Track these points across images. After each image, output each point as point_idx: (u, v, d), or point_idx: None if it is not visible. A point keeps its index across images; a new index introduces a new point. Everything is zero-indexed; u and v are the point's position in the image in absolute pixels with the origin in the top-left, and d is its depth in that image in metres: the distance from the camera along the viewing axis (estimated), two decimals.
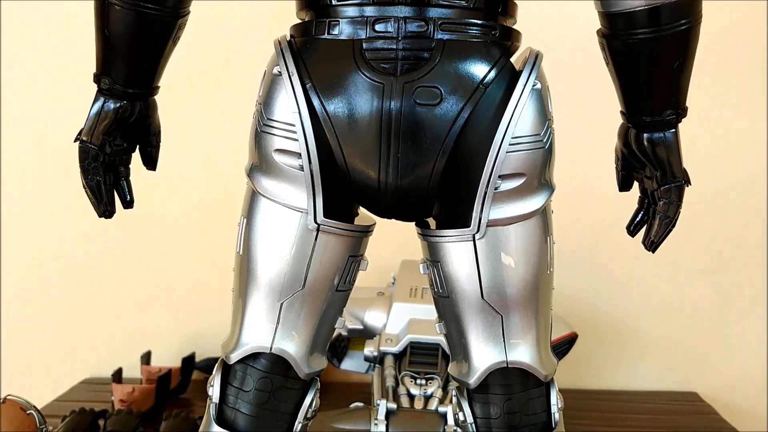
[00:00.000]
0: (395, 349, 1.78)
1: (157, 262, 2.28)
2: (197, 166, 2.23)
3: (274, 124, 0.99)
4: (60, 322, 2.30)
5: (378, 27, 0.96)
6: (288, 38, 1.05)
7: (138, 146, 1.13)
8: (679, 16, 0.95)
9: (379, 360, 1.79)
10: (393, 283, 1.97)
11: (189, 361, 2.13)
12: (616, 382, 2.28)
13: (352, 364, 2.00)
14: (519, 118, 0.95)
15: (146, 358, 2.11)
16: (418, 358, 1.74)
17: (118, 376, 1.97)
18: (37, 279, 2.29)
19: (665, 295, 2.25)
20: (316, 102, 0.96)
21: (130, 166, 1.13)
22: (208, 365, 2.12)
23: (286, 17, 1.11)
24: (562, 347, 1.90)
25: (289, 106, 0.96)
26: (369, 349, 1.82)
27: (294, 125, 0.96)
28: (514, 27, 1.04)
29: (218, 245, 1.95)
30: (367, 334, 1.87)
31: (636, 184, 1.16)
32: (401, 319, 1.83)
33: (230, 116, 2.18)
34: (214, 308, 2.16)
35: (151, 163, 1.15)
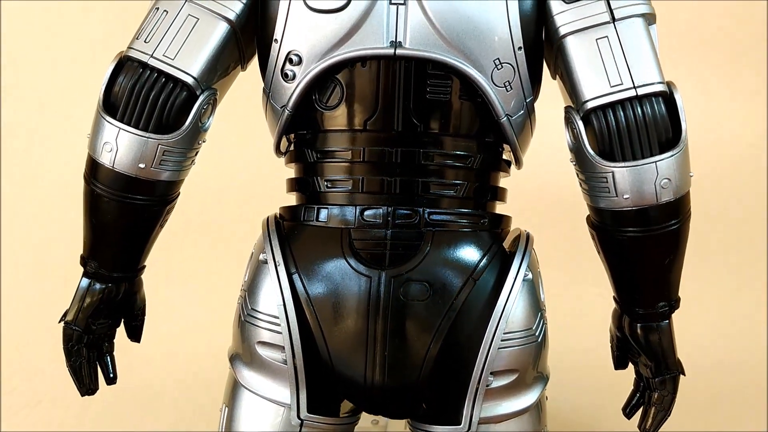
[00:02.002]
0: None
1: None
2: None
3: (259, 315, 0.96)
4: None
5: (367, 215, 0.96)
6: (277, 216, 1.04)
7: (123, 320, 1.11)
8: (668, 217, 0.94)
9: None
10: None
11: None
12: None
13: None
14: (510, 313, 0.92)
15: None
16: None
17: None
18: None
19: None
20: (301, 292, 0.94)
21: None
22: None
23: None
24: None
25: (275, 297, 0.94)
26: None
27: (278, 317, 0.94)
28: (506, 215, 1.04)
29: None
30: None
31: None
32: None
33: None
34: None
35: (135, 336, 1.13)
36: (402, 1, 0.94)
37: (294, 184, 1.04)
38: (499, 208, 1.05)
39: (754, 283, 2.20)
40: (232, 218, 2.18)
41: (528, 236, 1.01)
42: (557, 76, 1.01)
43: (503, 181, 1.06)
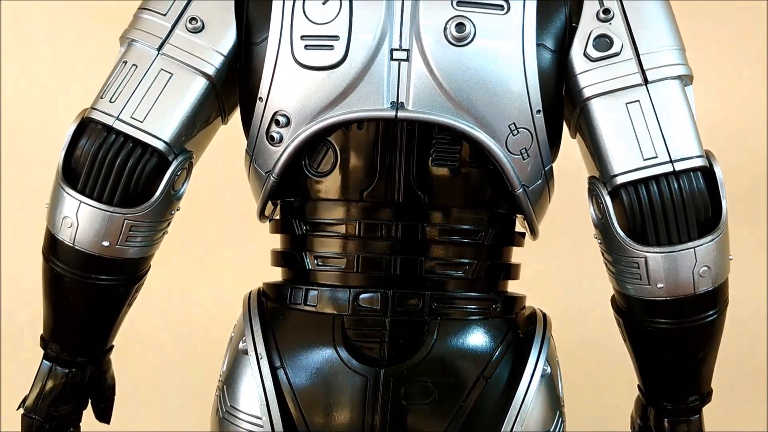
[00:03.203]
0: None
1: None
2: None
3: (239, 414, 0.84)
4: None
5: (363, 299, 0.84)
6: (260, 293, 0.92)
7: (90, 401, 0.99)
8: (705, 308, 0.83)
9: None
10: None
11: None
12: None
13: None
14: (527, 416, 0.81)
15: None
16: None
17: None
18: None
19: None
20: (287, 389, 0.82)
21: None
22: None
23: None
24: None
25: (256, 394, 0.82)
26: None
27: (261, 418, 0.82)
28: (519, 296, 0.92)
29: None
30: None
31: None
32: None
33: None
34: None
35: (104, 417, 1.01)
36: (405, 57, 0.82)
37: (279, 258, 0.92)
38: (512, 286, 0.93)
39: (755, 279, 2.06)
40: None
41: (545, 319, 0.90)
42: (577, 135, 0.89)
43: (516, 255, 0.94)
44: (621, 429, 1.11)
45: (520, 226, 0.94)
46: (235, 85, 0.89)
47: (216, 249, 1.93)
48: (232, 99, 0.91)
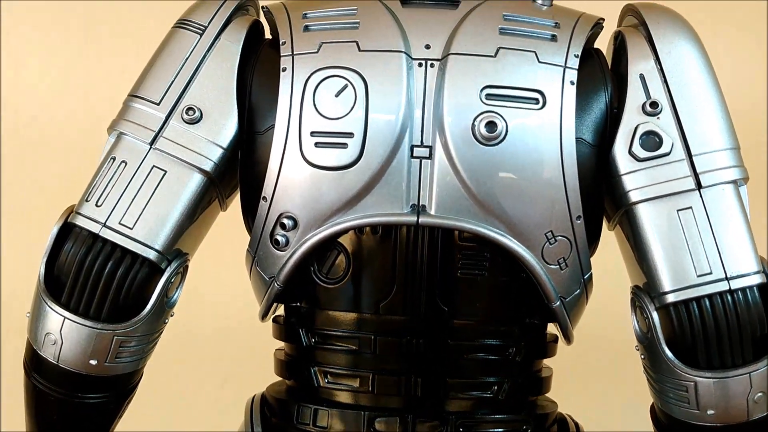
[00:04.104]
0: None
1: None
2: None
3: None
4: None
5: (378, 424, 0.75)
6: (265, 398, 0.83)
7: None
8: None
9: None
10: None
11: None
12: None
13: None
14: None
15: None
16: None
17: None
18: None
19: None
20: None
21: None
22: None
23: None
24: None
25: None
26: None
27: None
28: (550, 410, 0.83)
29: None
30: None
31: None
32: None
33: None
34: None
35: None
36: (426, 154, 0.73)
37: (284, 369, 0.83)
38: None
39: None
40: None
41: (578, 429, 0.81)
42: (617, 228, 0.80)
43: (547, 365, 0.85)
44: None
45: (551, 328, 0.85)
46: (235, 173, 0.80)
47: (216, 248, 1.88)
48: (233, 183, 0.82)
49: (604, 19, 0.81)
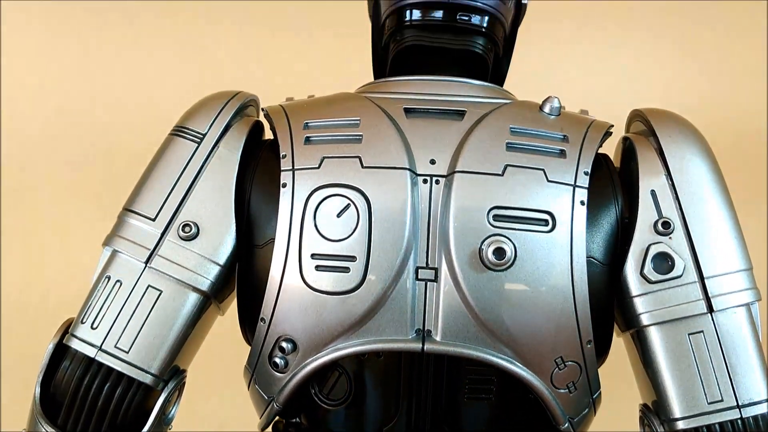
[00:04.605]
0: None
1: None
2: None
3: None
4: None
5: None
6: None
7: None
8: None
9: None
10: None
11: None
12: None
13: None
14: None
15: None
16: None
17: None
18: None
19: None
20: None
21: None
22: None
23: None
24: None
25: None
26: None
27: None
28: None
29: None
30: None
31: None
32: None
33: None
34: None
35: None
36: (432, 277, 0.71)
37: None
38: None
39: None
40: None
41: None
42: (627, 336, 0.78)
43: None
44: None
45: None
46: (234, 281, 0.78)
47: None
48: (231, 290, 0.80)
49: (613, 126, 0.79)
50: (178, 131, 0.78)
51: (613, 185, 0.76)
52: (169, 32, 1.79)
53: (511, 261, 0.69)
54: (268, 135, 0.82)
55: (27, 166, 1.93)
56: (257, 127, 0.82)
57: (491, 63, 0.84)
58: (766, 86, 1.86)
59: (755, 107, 1.92)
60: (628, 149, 0.80)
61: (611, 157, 0.81)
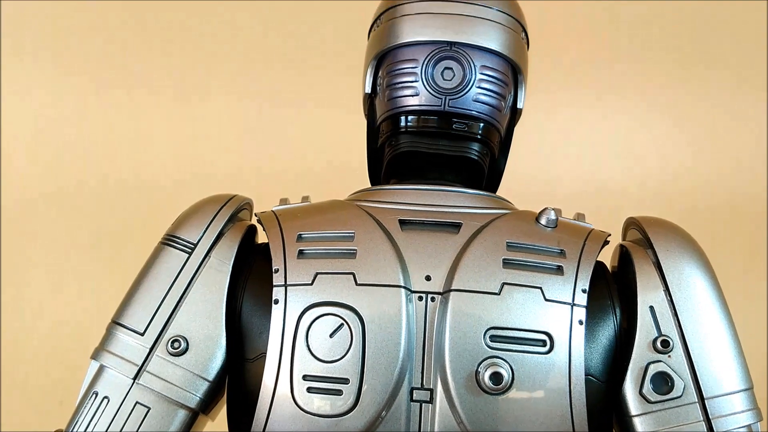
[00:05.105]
0: None
1: None
2: None
3: None
4: None
5: None
6: None
7: None
8: None
9: None
10: None
11: None
12: None
13: None
14: None
15: None
16: None
17: None
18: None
19: None
20: None
21: None
22: None
23: None
24: None
25: None
26: None
27: None
28: None
29: None
30: None
31: None
32: None
33: None
34: None
35: None
36: (427, 398, 0.69)
37: None
38: None
39: (756, 314, 1.94)
40: None
41: None
42: None
43: None
44: None
45: None
46: (223, 392, 0.76)
47: None
48: (221, 396, 0.78)
49: (610, 235, 0.78)
50: (169, 240, 0.77)
51: (611, 298, 0.75)
52: (166, 95, 1.79)
53: (508, 385, 0.68)
54: (262, 237, 0.80)
55: (23, 219, 1.94)
56: (251, 231, 0.81)
57: (487, 167, 0.84)
58: (765, 150, 1.87)
59: (750, 172, 1.94)
60: (624, 255, 0.79)
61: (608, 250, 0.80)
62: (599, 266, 0.77)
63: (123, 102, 1.76)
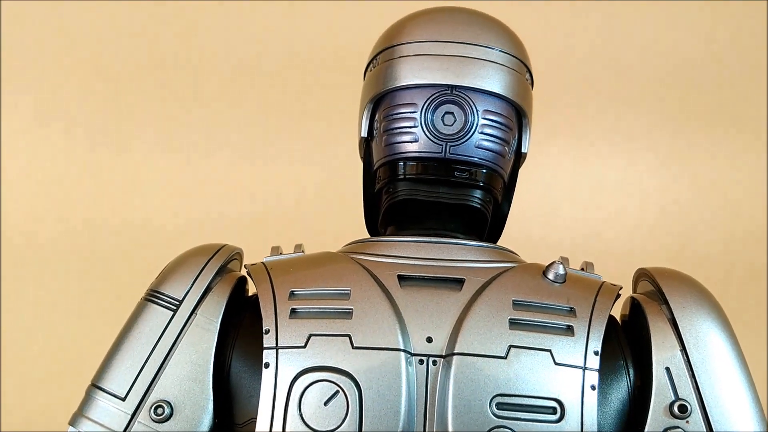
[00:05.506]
0: None
1: None
2: None
3: None
4: None
5: None
6: None
7: None
8: None
9: None
10: None
11: None
12: None
13: None
14: None
15: None
16: None
17: None
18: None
19: None
20: None
21: None
22: None
23: None
24: None
25: None
26: None
27: None
28: None
29: None
30: None
31: None
32: None
33: None
34: None
35: None
36: None
37: None
38: None
39: (755, 353, 1.90)
40: None
41: None
42: None
43: None
44: None
45: None
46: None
47: None
48: None
49: (621, 287, 0.74)
50: (153, 296, 0.72)
51: (624, 357, 0.70)
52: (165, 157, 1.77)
53: None
54: (253, 287, 0.76)
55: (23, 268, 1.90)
56: (240, 282, 0.77)
57: (490, 214, 0.79)
58: (765, 193, 1.85)
59: (747, 216, 1.92)
60: (636, 307, 0.74)
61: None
62: (610, 321, 0.72)
63: (121, 150, 1.75)
